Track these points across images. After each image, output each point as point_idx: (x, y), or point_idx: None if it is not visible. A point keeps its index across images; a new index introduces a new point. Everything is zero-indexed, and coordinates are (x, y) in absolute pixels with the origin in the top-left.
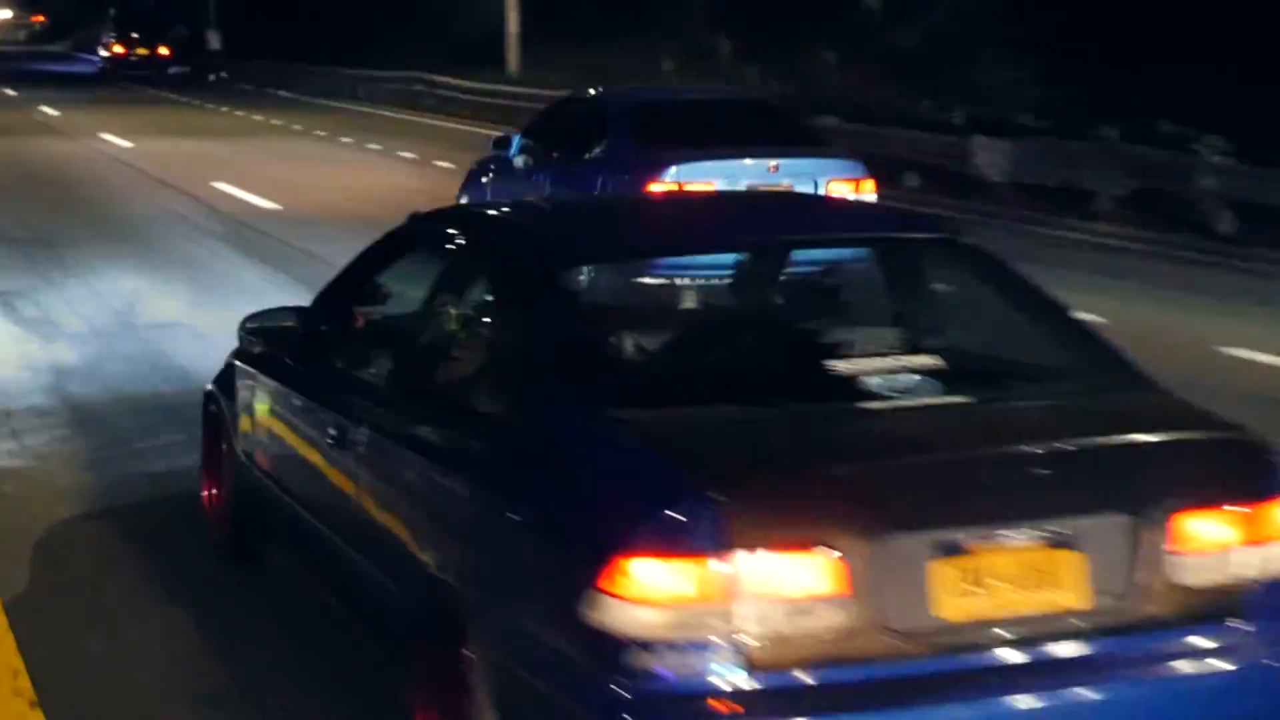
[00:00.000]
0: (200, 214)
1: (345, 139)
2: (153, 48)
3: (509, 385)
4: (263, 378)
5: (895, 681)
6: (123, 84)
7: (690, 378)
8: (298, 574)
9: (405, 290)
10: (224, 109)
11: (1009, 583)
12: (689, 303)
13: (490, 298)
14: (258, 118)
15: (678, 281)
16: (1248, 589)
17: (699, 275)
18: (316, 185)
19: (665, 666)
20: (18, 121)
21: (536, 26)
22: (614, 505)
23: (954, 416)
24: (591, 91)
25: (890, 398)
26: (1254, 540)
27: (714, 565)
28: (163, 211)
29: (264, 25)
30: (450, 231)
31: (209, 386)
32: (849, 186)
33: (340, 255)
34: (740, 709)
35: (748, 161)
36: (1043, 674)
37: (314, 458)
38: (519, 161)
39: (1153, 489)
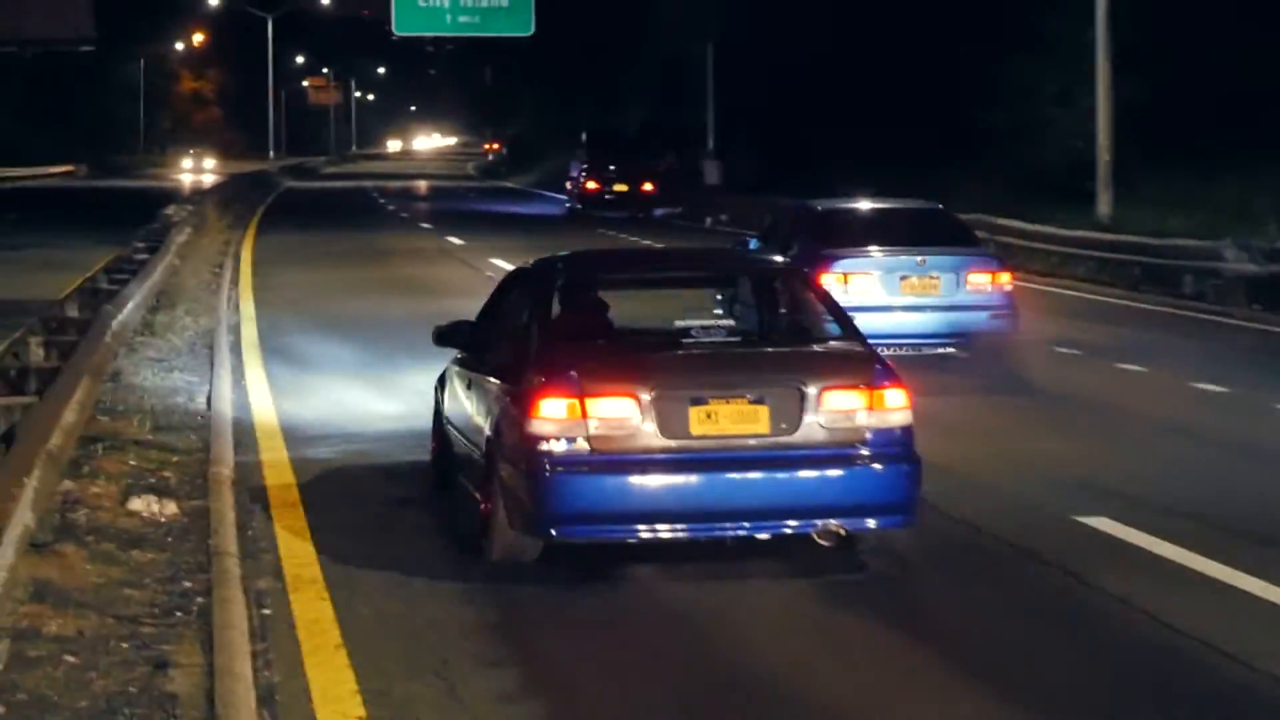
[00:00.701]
0: None
1: None
2: (634, 183)
3: (526, 338)
4: (451, 366)
5: (665, 461)
6: (596, 229)
7: (604, 334)
8: (456, 477)
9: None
10: None
11: (728, 419)
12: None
13: (533, 300)
14: None
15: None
16: (866, 431)
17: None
18: None
19: (555, 449)
20: (461, 279)
21: (1140, 151)
22: (541, 377)
23: (722, 345)
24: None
25: (695, 339)
26: (869, 408)
27: (575, 403)
28: None
29: (779, 153)
30: (531, 270)
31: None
32: (987, 276)
33: None
34: (585, 468)
35: (901, 257)
36: (742, 463)
37: (461, 401)
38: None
39: (813, 377)
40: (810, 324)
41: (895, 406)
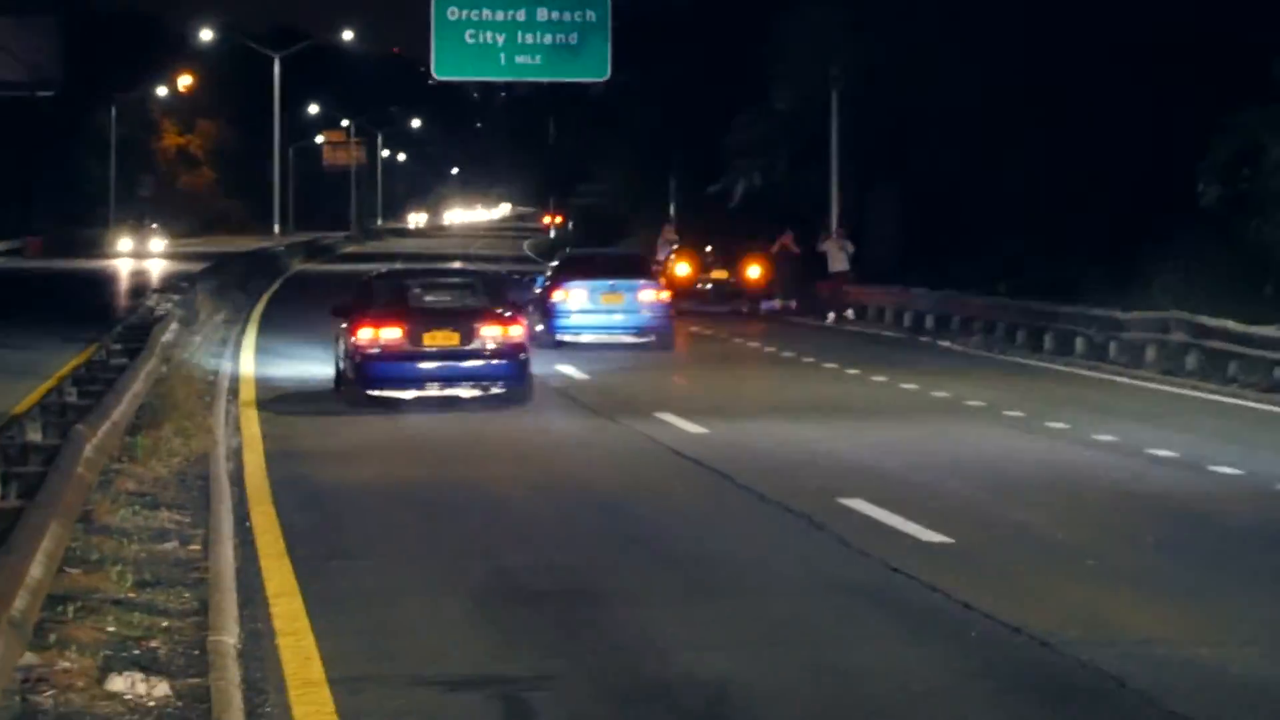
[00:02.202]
0: (829, 554)
1: (1055, 423)
2: (738, 269)
3: (361, 307)
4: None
5: (414, 355)
6: (688, 327)
7: (396, 303)
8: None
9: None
10: (852, 370)
11: (442, 338)
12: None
13: (367, 290)
14: (909, 385)
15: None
16: (503, 343)
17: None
18: (1000, 506)
19: (365, 351)
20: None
21: None
22: (361, 320)
23: (445, 307)
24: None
25: (433, 305)
26: (504, 333)
27: (374, 330)
28: (764, 544)
29: (929, 230)
30: (371, 277)
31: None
32: (653, 294)
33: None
34: (378, 359)
35: (600, 281)
36: (446, 356)
37: (339, 342)
38: (540, 283)
39: (480, 321)
40: (494, 301)
41: (517, 333)
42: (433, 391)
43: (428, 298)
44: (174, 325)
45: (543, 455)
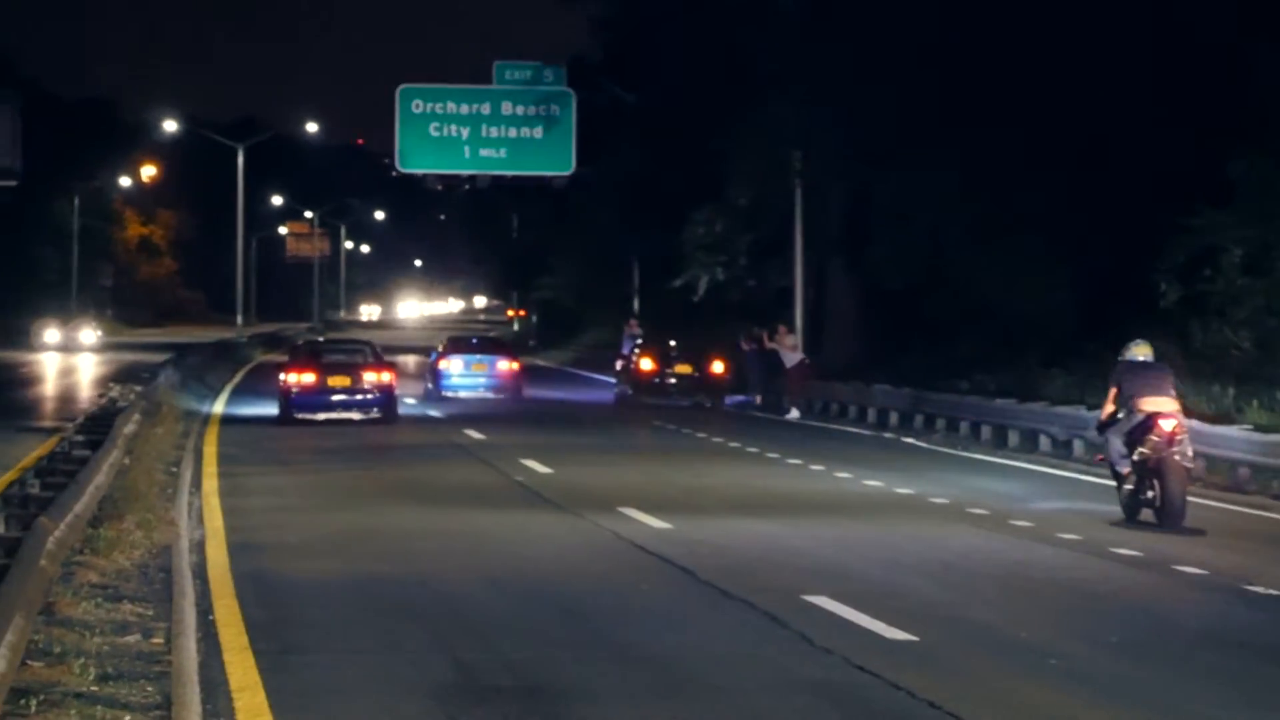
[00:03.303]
0: (791, 652)
1: (1019, 521)
2: (702, 363)
3: (289, 363)
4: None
5: (322, 391)
6: (651, 421)
7: (312, 359)
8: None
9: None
10: (816, 465)
11: (340, 380)
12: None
13: (293, 351)
14: (873, 482)
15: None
16: (380, 383)
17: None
18: (964, 603)
19: (291, 390)
20: (486, 484)
21: None
22: (289, 370)
23: (344, 361)
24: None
25: (335, 359)
26: (379, 377)
27: (297, 376)
28: (726, 641)
29: (893, 326)
30: (297, 345)
31: None
32: (508, 364)
33: None
34: (298, 395)
35: (470, 355)
36: (344, 393)
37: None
38: (434, 356)
39: (365, 369)
40: (377, 358)
41: (387, 379)
42: (335, 415)
43: (332, 357)
44: (136, 416)
45: (505, 549)
